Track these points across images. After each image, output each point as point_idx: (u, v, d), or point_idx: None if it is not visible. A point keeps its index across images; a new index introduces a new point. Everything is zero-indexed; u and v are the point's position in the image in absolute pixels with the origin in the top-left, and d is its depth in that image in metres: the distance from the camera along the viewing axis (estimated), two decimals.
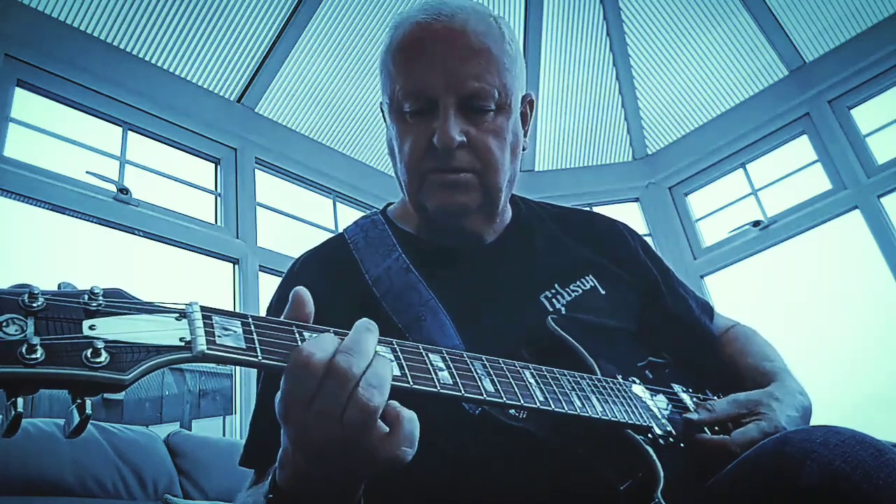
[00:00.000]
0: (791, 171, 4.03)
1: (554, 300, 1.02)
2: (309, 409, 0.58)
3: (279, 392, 0.60)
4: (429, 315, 0.94)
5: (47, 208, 2.85)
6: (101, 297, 0.55)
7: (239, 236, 3.42)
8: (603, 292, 1.06)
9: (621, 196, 4.52)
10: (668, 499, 0.75)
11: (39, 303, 0.51)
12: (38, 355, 0.48)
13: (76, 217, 2.93)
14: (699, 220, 4.35)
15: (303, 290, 0.67)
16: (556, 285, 1.04)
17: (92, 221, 2.97)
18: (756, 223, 4.00)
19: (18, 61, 2.92)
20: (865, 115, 3.81)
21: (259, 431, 0.95)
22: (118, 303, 0.56)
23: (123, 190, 3.08)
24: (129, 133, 3.28)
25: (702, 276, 4.17)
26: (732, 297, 4.15)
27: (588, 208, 4.13)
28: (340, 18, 3.70)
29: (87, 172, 3.01)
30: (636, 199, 4.50)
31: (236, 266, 3.39)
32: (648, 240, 4.50)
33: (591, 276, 1.08)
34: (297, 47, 3.67)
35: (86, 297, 0.54)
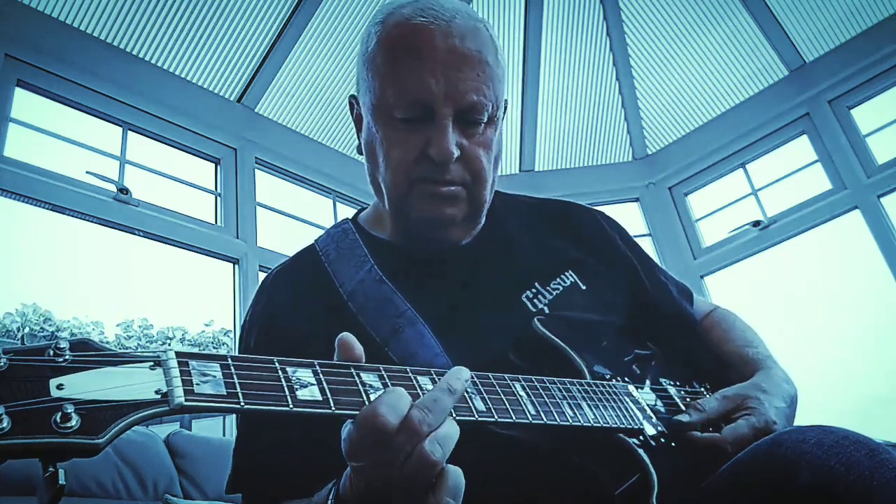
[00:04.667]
0: (791, 171, 4.03)
1: (536, 300, 1.00)
2: (372, 453, 0.61)
3: (347, 434, 0.62)
4: (406, 326, 0.92)
5: (47, 208, 2.85)
6: (67, 352, 0.52)
7: (239, 236, 3.43)
8: (584, 288, 1.05)
9: (621, 196, 4.52)
10: (663, 500, 0.75)
11: (2, 364, 0.48)
12: (4, 425, 0.45)
13: (76, 217, 2.93)
14: (699, 220, 4.35)
15: (348, 337, 0.68)
16: (536, 284, 1.02)
17: (92, 221, 2.97)
18: (756, 223, 4.00)
19: (18, 61, 2.92)
20: (865, 115, 3.81)
21: (246, 457, 0.93)
22: (86, 357, 0.53)
23: (123, 190, 3.08)
24: (129, 133, 3.28)
25: (702, 276, 4.17)
26: (732, 297, 4.16)
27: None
28: (340, 18, 3.70)
29: (87, 172, 3.01)
30: (636, 199, 4.50)
31: (236, 266, 3.40)
32: (648, 240, 4.47)
33: (570, 272, 1.06)
34: (297, 47, 3.67)
35: (51, 352, 0.51)
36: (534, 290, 1.02)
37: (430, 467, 0.61)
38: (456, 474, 0.64)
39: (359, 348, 0.68)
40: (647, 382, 0.97)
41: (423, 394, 0.66)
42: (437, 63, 0.91)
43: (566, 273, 1.06)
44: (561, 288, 1.03)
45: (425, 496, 0.62)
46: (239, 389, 0.57)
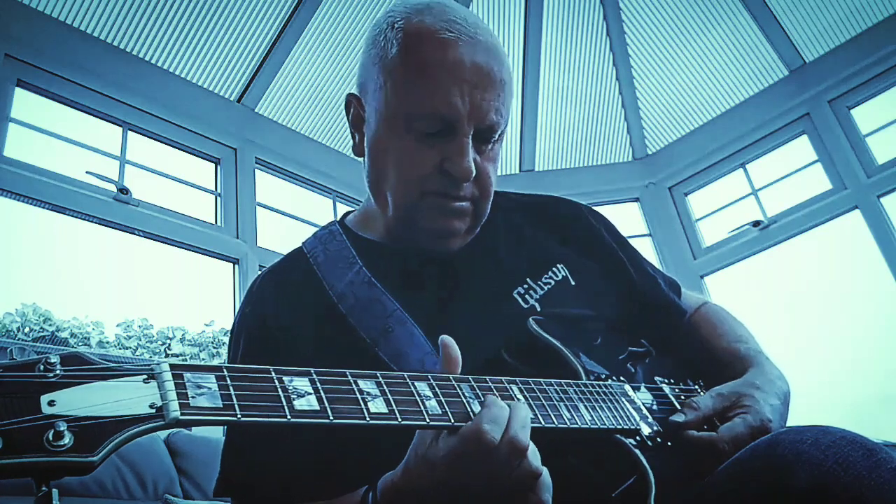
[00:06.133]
0: (791, 171, 4.03)
1: (527, 295, 1.01)
2: (478, 465, 0.66)
3: (448, 446, 0.67)
4: (396, 326, 0.93)
5: (47, 208, 2.86)
6: (58, 367, 0.50)
7: (239, 236, 3.43)
8: (574, 283, 1.05)
9: (621, 196, 4.52)
10: (660, 501, 0.75)
11: None
12: None
13: (76, 217, 2.94)
14: (699, 220, 4.35)
15: (448, 340, 0.74)
16: (527, 280, 1.03)
17: (92, 221, 2.98)
18: (756, 223, 4.00)
19: (18, 61, 2.92)
20: (865, 115, 3.81)
21: (236, 459, 0.92)
22: (77, 371, 0.51)
23: (123, 190, 3.08)
24: (129, 133, 3.29)
25: (702, 276, 4.17)
26: (732, 297, 4.16)
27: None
28: (340, 18, 3.70)
29: (87, 172, 3.01)
30: (636, 199, 4.50)
31: (236, 266, 3.40)
32: (648, 240, 4.45)
33: (561, 266, 1.06)
34: (297, 47, 3.68)
35: (41, 367, 0.50)
36: (525, 286, 1.02)
37: (535, 477, 0.68)
38: (546, 473, 0.70)
39: (456, 350, 0.74)
40: (642, 381, 0.97)
41: (420, 398, 0.67)
42: (465, 82, 0.91)
43: (556, 267, 1.06)
44: (552, 282, 1.04)
45: (526, 496, 0.69)
46: (235, 401, 0.56)
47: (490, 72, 0.93)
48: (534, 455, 0.68)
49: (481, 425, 0.65)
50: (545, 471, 0.69)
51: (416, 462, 0.69)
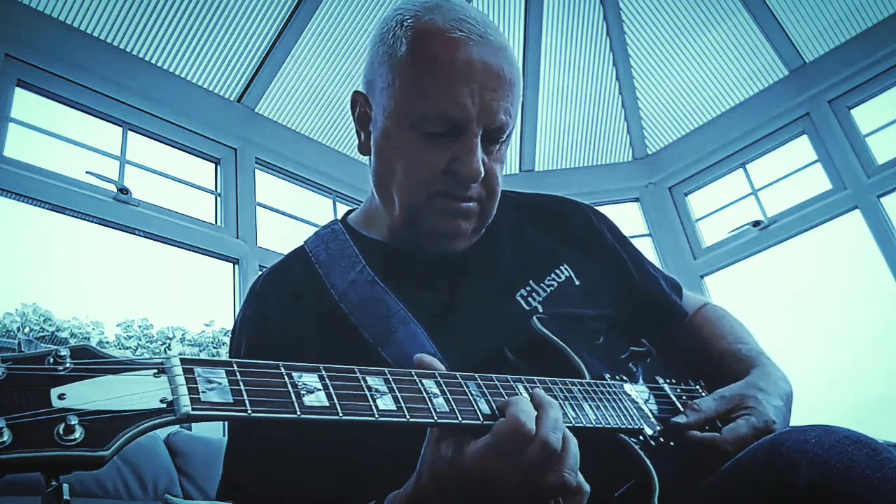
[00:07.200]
0: (791, 171, 4.03)
1: (530, 297, 1.00)
2: (509, 463, 0.64)
3: (480, 445, 0.64)
4: (399, 326, 0.92)
5: (47, 208, 2.85)
6: (68, 360, 0.50)
7: (239, 236, 3.43)
8: (578, 283, 1.05)
9: (621, 196, 4.52)
10: (663, 501, 0.75)
11: (0, 373, 0.46)
12: (5, 438, 0.43)
13: (76, 217, 2.93)
14: (699, 220, 4.35)
15: (427, 358, 0.72)
16: (530, 282, 1.02)
17: (92, 221, 2.97)
18: (756, 223, 4.00)
19: (18, 61, 2.92)
20: (865, 115, 3.81)
21: (240, 461, 0.91)
22: (88, 364, 0.50)
23: (123, 190, 3.08)
24: (129, 133, 3.28)
25: (702, 276, 4.17)
26: (732, 297, 4.16)
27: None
28: (340, 18, 3.70)
29: (87, 172, 3.01)
30: (636, 199, 4.50)
31: (236, 266, 3.40)
32: (648, 240, 4.45)
33: (564, 267, 1.06)
34: (297, 47, 3.68)
35: (51, 359, 0.49)
36: (528, 289, 1.01)
37: (567, 488, 0.65)
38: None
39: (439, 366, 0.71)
40: (642, 381, 0.97)
41: (428, 395, 0.67)
42: (475, 83, 0.90)
43: (560, 268, 1.06)
44: (556, 284, 1.03)
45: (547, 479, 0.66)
46: (246, 396, 0.55)
47: (500, 72, 0.92)
48: (571, 474, 0.66)
49: (517, 416, 0.64)
50: (586, 486, 0.67)
51: (430, 475, 0.67)
